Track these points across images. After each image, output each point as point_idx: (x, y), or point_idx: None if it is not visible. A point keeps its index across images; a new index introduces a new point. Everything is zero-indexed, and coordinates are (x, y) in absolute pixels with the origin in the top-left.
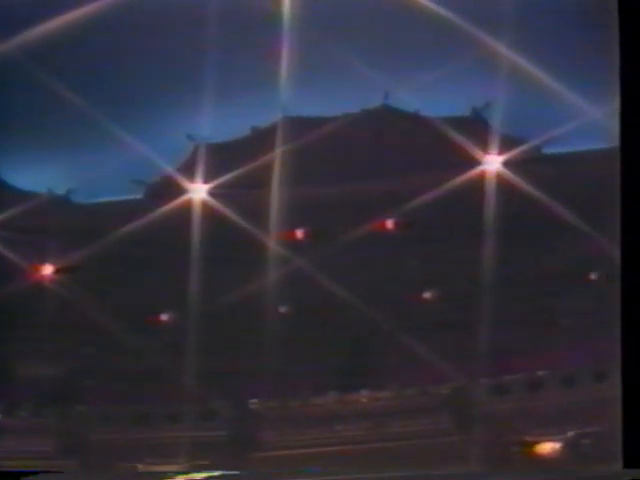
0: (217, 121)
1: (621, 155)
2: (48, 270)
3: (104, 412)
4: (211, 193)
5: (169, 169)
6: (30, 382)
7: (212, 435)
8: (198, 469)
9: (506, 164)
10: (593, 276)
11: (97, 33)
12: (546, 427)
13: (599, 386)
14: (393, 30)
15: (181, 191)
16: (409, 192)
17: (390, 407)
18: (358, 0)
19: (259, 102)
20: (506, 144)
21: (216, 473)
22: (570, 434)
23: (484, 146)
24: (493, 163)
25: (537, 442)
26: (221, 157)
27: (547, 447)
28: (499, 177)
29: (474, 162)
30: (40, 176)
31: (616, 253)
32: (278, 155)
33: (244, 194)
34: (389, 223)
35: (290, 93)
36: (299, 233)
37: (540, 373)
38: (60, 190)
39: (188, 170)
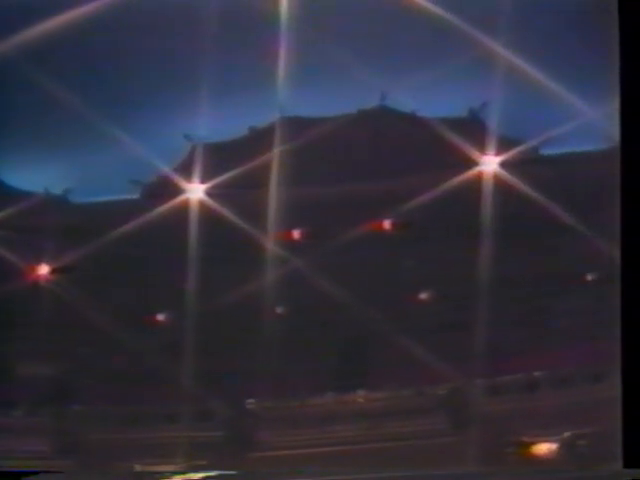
0: (214, 121)
1: (621, 155)
2: (45, 270)
3: (101, 412)
4: (208, 193)
5: (166, 169)
6: (27, 382)
7: (210, 435)
8: (196, 469)
9: (504, 165)
10: (593, 276)
11: (95, 33)
12: (545, 428)
13: (599, 386)
14: (391, 30)
15: (178, 191)
16: (406, 193)
17: (388, 407)
18: (356, 0)
19: (257, 102)
20: (504, 145)
21: (213, 473)
22: (569, 434)
23: (482, 147)
24: (491, 164)
25: (535, 443)
26: (218, 157)
27: (545, 447)
28: (497, 178)
29: (472, 163)
30: (37, 175)
31: (616, 253)
32: (276, 155)
33: (241, 194)
34: (387, 223)
35: (288, 93)
36: (296, 233)
37: (538, 373)
38: (57, 189)
39: (185, 170)
